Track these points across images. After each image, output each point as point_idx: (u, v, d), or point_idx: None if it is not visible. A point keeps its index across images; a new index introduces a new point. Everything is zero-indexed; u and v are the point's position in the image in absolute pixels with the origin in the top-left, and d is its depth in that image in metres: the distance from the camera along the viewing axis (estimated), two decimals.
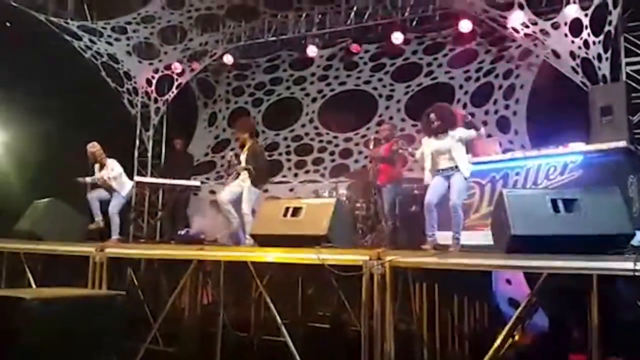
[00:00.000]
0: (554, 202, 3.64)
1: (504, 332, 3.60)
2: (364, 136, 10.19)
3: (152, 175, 10.89)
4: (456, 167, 4.94)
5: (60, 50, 9.77)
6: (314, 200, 5.32)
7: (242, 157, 6.32)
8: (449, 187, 4.98)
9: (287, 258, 4.34)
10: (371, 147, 6.64)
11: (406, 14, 9.51)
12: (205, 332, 5.58)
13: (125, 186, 7.14)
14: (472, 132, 5.04)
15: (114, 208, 6.92)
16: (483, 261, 3.64)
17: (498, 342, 3.58)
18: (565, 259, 3.29)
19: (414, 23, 9.77)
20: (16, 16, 9.16)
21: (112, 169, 7.05)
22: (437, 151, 5.04)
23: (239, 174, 6.30)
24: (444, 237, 5.58)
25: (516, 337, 4.65)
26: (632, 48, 7.51)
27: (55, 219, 6.06)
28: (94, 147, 7.13)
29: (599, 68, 7.40)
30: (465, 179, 4.97)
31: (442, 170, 5.02)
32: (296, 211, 4.76)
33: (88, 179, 7.09)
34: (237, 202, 6.11)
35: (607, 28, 7.23)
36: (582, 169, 5.51)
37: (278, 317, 4.56)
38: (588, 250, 3.40)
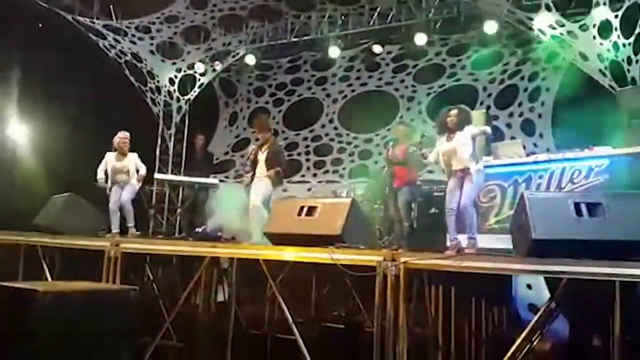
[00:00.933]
0: (577, 205, 3.49)
1: (521, 337, 3.47)
2: (384, 137, 10.10)
3: (172, 173, 10.98)
4: (467, 168, 4.85)
5: (85, 49, 9.91)
6: (329, 200, 5.24)
7: (262, 157, 6.19)
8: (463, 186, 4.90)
9: (300, 257, 4.27)
10: (389, 152, 6.50)
11: (430, 15, 9.38)
12: (219, 328, 5.55)
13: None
14: (478, 129, 4.93)
15: (127, 196, 6.71)
16: (500, 265, 3.52)
17: (515, 347, 3.45)
18: (587, 264, 3.15)
19: (438, 24, 9.62)
20: (43, 15, 9.33)
21: (140, 168, 6.93)
22: (448, 151, 4.99)
23: (253, 178, 6.24)
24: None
25: (534, 343, 4.52)
26: None
27: (74, 213, 6.10)
28: (125, 136, 6.95)
29: (629, 71, 7.19)
30: (480, 171, 4.87)
31: (456, 171, 4.96)
32: (311, 210, 4.68)
33: (107, 184, 6.83)
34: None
35: (638, 30, 7.01)
36: (609, 173, 5.33)
37: (290, 316, 4.50)
38: (611, 256, 3.25)
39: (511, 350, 3.45)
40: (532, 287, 6.50)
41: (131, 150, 7.10)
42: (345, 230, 4.41)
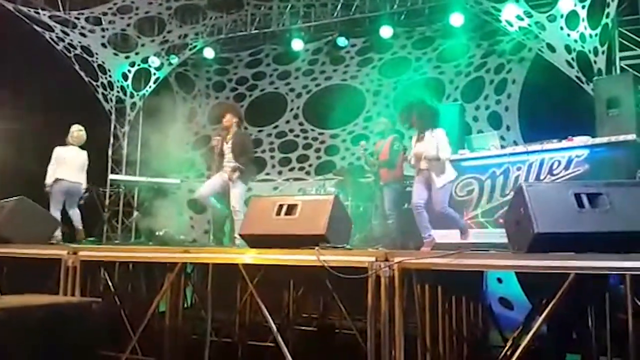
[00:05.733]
0: (577, 196, 3.34)
1: (526, 339, 3.28)
2: (351, 132, 9.87)
3: (126, 173, 10.41)
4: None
5: (30, 42, 9.20)
6: (310, 197, 4.95)
7: (227, 147, 5.96)
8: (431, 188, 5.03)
9: (284, 260, 3.95)
10: (362, 151, 6.37)
11: (395, 7, 9.20)
12: (187, 338, 5.19)
13: None
14: (444, 148, 4.98)
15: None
16: (506, 262, 3.33)
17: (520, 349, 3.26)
18: (595, 258, 2.99)
19: (403, 16, 9.47)
20: None
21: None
22: (417, 152, 5.08)
23: (222, 166, 5.97)
24: (440, 235, 5.35)
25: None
26: (626, 42, 7.35)
27: (24, 219, 5.52)
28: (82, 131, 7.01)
29: (595, 62, 7.22)
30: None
31: (422, 170, 5.08)
32: (290, 209, 4.37)
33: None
34: (221, 196, 5.84)
35: (604, 20, 7.04)
36: (588, 164, 5.28)
37: (272, 321, 4.19)
38: (616, 248, 3.11)
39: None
40: (502, 280, 6.45)
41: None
42: (329, 229, 4.13)
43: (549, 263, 3.10)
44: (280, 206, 4.41)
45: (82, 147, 7.04)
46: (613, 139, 5.12)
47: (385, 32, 9.39)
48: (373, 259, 3.54)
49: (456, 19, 8.75)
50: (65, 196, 6.76)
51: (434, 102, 5.53)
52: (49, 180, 6.70)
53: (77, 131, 6.99)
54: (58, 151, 6.87)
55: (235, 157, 5.87)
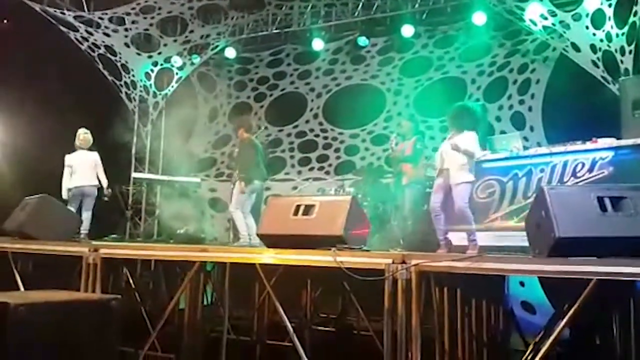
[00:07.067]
0: (600, 200, 3.26)
1: (548, 344, 3.22)
2: (370, 132, 9.82)
3: (149, 172, 10.53)
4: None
5: (55, 42, 9.38)
6: (328, 198, 4.95)
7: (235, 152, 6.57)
8: (451, 188, 4.96)
9: (300, 260, 3.96)
10: (394, 145, 6.31)
11: (416, 6, 9.12)
12: (206, 336, 5.24)
13: None
14: (474, 149, 4.94)
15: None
16: (524, 266, 3.27)
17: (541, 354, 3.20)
18: (619, 263, 2.92)
19: (425, 15, 9.38)
20: (9, 6, 8.78)
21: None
22: (445, 150, 5.02)
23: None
24: (458, 237, 5.29)
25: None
26: None
27: (47, 216, 5.65)
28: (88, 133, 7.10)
29: (622, 62, 7.06)
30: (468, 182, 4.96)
31: (444, 170, 5.01)
32: (308, 209, 4.36)
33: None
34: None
35: (632, 19, 6.88)
36: (613, 166, 5.15)
37: (287, 321, 4.20)
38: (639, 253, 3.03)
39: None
40: (524, 284, 6.34)
41: (107, 150, 7.29)
42: (346, 230, 4.11)
43: (570, 268, 3.04)
44: (298, 206, 4.40)
45: (91, 148, 7.16)
46: (639, 141, 4.99)
47: (407, 31, 9.31)
48: (390, 261, 3.52)
49: (479, 18, 8.65)
50: (81, 198, 6.89)
51: (477, 106, 5.59)
52: (64, 194, 6.87)
53: (84, 134, 7.12)
54: (67, 159, 7.02)
55: (240, 166, 6.34)
